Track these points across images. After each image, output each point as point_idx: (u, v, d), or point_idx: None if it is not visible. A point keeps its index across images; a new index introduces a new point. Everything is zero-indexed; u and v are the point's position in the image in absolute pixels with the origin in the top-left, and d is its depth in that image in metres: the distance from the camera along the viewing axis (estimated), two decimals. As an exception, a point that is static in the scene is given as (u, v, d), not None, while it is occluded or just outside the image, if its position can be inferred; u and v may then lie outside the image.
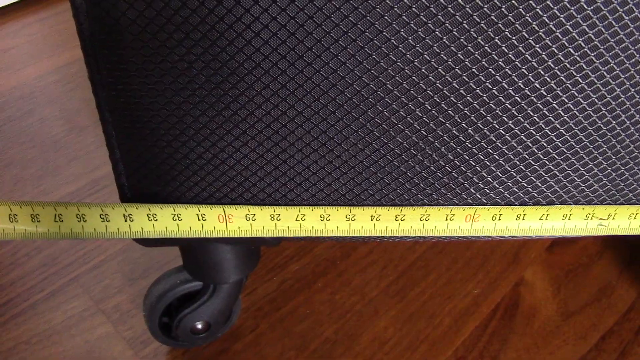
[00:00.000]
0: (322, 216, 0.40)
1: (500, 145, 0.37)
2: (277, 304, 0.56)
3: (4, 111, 0.76)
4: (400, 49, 0.33)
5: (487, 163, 0.38)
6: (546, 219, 0.40)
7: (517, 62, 0.33)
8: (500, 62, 0.33)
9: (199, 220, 0.40)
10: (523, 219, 0.40)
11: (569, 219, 0.40)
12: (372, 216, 0.40)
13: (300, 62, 0.33)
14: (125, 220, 0.39)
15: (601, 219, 0.40)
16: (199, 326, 0.51)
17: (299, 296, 0.57)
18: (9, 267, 0.60)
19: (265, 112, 0.35)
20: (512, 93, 0.35)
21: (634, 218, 0.41)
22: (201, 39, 0.32)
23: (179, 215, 0.40)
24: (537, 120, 0.36)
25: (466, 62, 0.33)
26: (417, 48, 0.33)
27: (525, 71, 0.34)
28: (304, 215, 0.40)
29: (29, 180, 0.68)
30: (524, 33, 0.32)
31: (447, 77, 0.34)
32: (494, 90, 0.34)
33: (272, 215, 0.40)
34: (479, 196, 0.39)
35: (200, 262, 0.47)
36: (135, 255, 0.60)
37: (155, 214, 0.39)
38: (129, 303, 0.57)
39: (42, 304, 0.57)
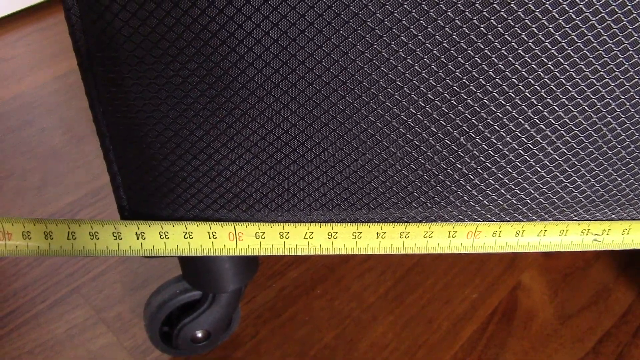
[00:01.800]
0: (330, 234, 0.40)
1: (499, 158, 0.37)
2: (277, 310, 0.57)
3: (5, 122, 0.77)
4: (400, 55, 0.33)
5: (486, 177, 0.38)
6: (544, 235, 0.41)
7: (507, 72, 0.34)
8: (489, 71, 0.34)
9: (209, 238, 0.40)
10: (522, 235, 0.41)
11: (566, 234, 0.41)
12: (377, 233, 0.41)
13: (293, 76, 0.33)
14: (138, 239, 0.40)
15: (596, 234, 0.41)
16: (199, 335, 0.51)
17: (298, 303, 0.57)
18: (11, 278, 0.60)
19: (260, 125, 0.36)
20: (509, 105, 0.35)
21: (627, 233, 0.41)
22: (195, 54, 0.33)
23: (190, 234, 0.40)
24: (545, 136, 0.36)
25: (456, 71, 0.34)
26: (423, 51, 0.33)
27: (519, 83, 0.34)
28: (312, 233, 0.40)
29: (29, 190, 0.68)
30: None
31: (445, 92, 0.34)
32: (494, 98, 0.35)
33: (281, 233, 0.40)
34: (479, 209, 0.40)
35: (199, 272, 0.47)
36: (135, 266, 0.61)
37: (167, 232, 0.40)
38: (130, 312, 0.57)
39: (44, 314, 0.57)
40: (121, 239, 0.39)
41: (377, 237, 0.41)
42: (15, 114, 0.78)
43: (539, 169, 0.38)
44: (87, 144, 0.74)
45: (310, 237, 0.41)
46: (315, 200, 0.39)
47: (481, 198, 0.39)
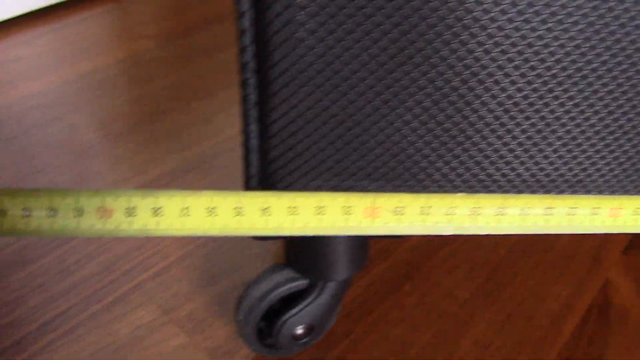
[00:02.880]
0: (474, 209, 0.36)
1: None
2: (367, 307, 0.52)
3: (28, 118, 0.70)
4: None
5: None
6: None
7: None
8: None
9: (344, 214, 0.35)
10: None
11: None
12: (522, 209, 0.37)
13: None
14: (262, 215, 0.34)
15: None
16: (300, 331, 0.46)
17: (388, 299, 0.53)
18: (58, 277, 0.53)
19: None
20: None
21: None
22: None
23: (322, 209, 0.35)
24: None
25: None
26: None
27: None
28: (455, 207, 0.36)
29: (67, 185, 0.62)
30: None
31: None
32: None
33: (423, 208, 0.36)
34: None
35: (311, 258, 0.43)
36: (200, 261, 0.55)
37: (297, 207, 0.34)
38: (204, 311, 0.51)
39: (102, 314, 0.50)
40: (243, 215, 0.34)
41: (545, 213, 0.37)
42: (39, 110, 0.71)
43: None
44: (125, 140, 0.68)
45: (453, 213, 0.36)
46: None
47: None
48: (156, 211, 0.32)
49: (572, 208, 0.37)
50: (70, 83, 0.76)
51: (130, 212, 0.32)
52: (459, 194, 0.36)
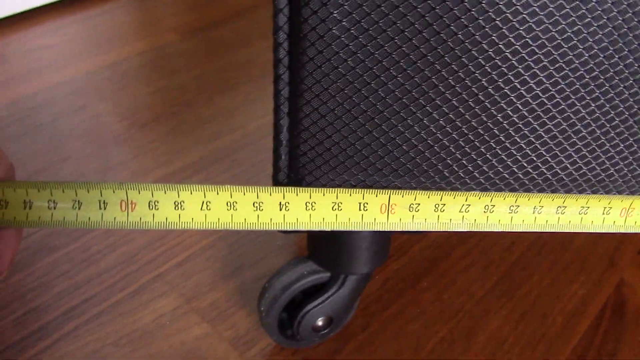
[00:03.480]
0: (487, 207, 0.37)
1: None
2: (384, 303, 0.53)
3: (54, 106, 0.71)
4: None
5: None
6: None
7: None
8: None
9: (359, 210, 0.36)
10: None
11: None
12: (534, 207, 0.38)
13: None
14: (280, 210, 0.35)
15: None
16: (320, 322, 0.47)
17: (405, 295, 0.54)
18: (82, 265, 0.54)
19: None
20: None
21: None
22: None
23: (339, 205, 0.36)
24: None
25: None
26: None
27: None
28: (469, 205, 0.37)
29: (91, 174, 0.63)
30: None
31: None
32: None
33: (437, 206, 0.36)
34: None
35: (334, 251, 0.44)
36: (223, 252, 0.56)
37: (314, 203, 0.35)
38: (226, 301, 0.52)
39: (126, 302, 0.52)
40: (262, 209, 0.35)
41: (557, 212, 0.38)
42: (64, 100, 0.73)
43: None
44: (150, 131, 0.69)
45: (467, 210, 0.37)
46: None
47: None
48: (178, 205, 0.33)
49: (583, 207, 0.37)
50: (95, 73, 0.78)
51: (153, 205, 0.33)
52: (473, 192, 0.37)
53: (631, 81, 0.36)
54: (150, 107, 0.72)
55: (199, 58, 0.82)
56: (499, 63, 0.33)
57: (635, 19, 0.33)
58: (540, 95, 0.35)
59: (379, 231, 0.36)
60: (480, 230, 0.37)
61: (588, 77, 0.35)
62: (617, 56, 0.35)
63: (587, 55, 0.34)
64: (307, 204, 0.35)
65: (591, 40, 0.33)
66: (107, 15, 0.90)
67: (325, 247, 0.44)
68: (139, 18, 0.90)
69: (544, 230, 0.38)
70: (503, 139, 0.37)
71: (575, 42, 0.33)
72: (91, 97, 0.73)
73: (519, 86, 0.34)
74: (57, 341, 0.49)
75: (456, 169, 0.37)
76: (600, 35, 0.33)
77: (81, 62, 0.80)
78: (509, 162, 0.38)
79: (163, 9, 0.93)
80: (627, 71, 0.35)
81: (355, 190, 0.35)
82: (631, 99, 0.37)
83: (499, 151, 0.37)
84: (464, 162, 0.37)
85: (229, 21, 0.91)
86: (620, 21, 0.33)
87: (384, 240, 0.45)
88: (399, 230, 0.36)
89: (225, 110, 0.73)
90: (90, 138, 0.67)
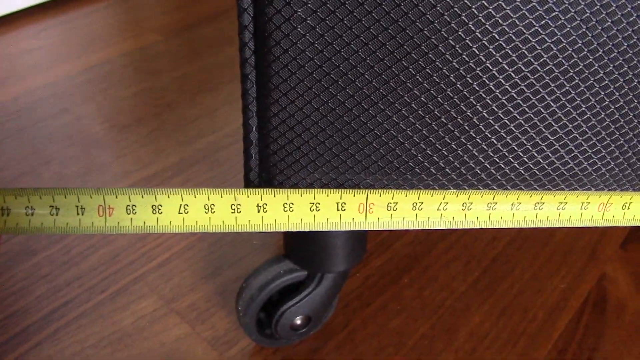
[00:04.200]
0: (465, 205, 0.37)
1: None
2: (366, 299, 0.53)
3: (36, 110, 0.71)
4: None
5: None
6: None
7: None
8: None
9: (337, 210, 0.36)
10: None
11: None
12: (512, 204, 0.38)
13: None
14: (258, 212, 0.35)
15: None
16: (298, 321, 0.47)
17: (386, 292, 0.54)
18: (62, 267, 0.54)
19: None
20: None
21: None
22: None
23: (317, 206, 0.36)
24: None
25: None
26: None
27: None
28: (447, 203, 0.37)
29: (71, 177, 0.63)
30: None
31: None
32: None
33: (415, 204, 0.37)
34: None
35: (310, 250, 0.44)
36: (202, 253, 0.56)
37: (292, 204, 0.35)
38: (205, 302, 0.52)
39: (106, 305, 0.52)
40: (240, 212, 0.35)
41: (534, 209, 0.38)
42: (47, 102, 0.72)
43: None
44: (131, 133, 0.69)
45: (444, 209, 0.37)
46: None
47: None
48: (156, 208, 0.33)
49: (562, 203, 0.37)
50: (77, 75, 0.78)
51: (130, 209, 0.33)
52: (450, 191, 0.37)
53: (602, 74, 0.36)
54: (132, 108, 0.72)
55: (181, 58, 0.82)
56: (466, 58, 0.33)
57: (600, 15, 0.33)
58: (509, 90, 0.35)
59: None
60: (459, 227, 0.37)
61: (557, 71, 0.35)
62: (586, 50, 0.35)
63: (555, 49, 0.34)
64: (285, 205, 0.35)
65: (559, 34, 0.33)
66: (89, 17, 0.90)
67: (301, 245, 0.44)
68: (121, 19, 0.90)
69: (523, 226, 0.38)
70: (473, 135, 0.37)
71: (542, 36, 0.33)
72: (73, 100, 0.73)
73: (487, 81, 0.34)
74: (37, 345, 0.49)
75: (427, 165, 0.37)
76: (569, 29, 0.33)
77: (63, 64, 0.79)
78: (480, 158, 0.38)
79: (145, 10, 0.93)
80: (596, 64, 0.35)
81: (332, 190, 0.35)
82: (602, 93, 0.37)
83: (469, 147, 0.37)
84: (435, 158, 0.37)
85: (211, 21, 0.90)
86: (587, 15, 0.33)
87: (360, 238, 0.45)
88: (377, 229, 0.36)
89: (207, 110, 0.73)
90: (72, 141, 0.67)
